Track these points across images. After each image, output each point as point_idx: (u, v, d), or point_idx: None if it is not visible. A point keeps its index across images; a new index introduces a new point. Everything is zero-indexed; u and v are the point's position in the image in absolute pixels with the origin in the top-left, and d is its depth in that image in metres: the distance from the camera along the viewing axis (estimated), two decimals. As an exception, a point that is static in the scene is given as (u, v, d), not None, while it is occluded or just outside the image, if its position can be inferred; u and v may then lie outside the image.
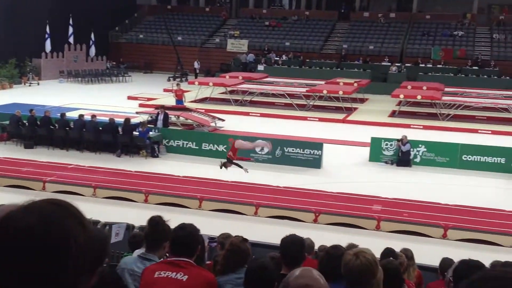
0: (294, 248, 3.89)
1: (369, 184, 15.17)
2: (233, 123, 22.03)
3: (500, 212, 12.83)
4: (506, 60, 34.52)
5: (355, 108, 26.56)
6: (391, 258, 5.17)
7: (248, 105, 26.88)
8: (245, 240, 4.19)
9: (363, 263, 2.97)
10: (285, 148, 16.86)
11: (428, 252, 9.37)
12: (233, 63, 37.26)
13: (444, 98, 25.41)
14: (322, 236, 10.13)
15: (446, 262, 6.24)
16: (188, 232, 3.56)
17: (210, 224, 10.82)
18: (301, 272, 2.27)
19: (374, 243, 7.99)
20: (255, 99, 27.50)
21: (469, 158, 16.92)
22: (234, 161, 12.44)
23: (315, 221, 12.19)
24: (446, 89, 27.72)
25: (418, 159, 17.26)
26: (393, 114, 25.50)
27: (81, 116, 18.07)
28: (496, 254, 7.19)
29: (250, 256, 3.98)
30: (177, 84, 26.41)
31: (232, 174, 13.52)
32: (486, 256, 6.82)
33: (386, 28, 39.30)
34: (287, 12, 43.86)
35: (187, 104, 23.55)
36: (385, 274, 4.78)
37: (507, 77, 32.31)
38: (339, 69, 34.91)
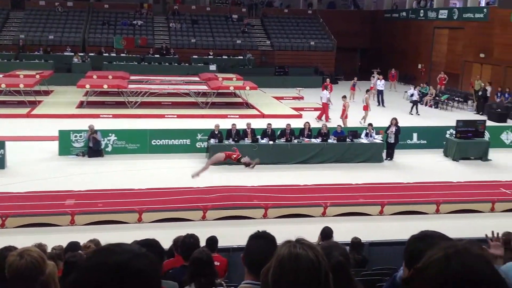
0: None
1: (61, 179, 14.53)
2: None
3: (189, 189, 13.68)
4: (183, 48, 36.97)
5: (40, 101, 25.11)
6: (80, 252, 4.96)
7: None
8: None
9: (28, 261, 2.81)
10: (-42, 150, 14.91)
11: (123, 238, 9.38)
12: None
13: (130, 86, 25.88)
14: (12, 240, 9.24)
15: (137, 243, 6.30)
16: None
17: None
18: None
19: (69, 238, 7.60)
20: None
21: (158, 142, 17.60)
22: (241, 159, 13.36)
23: (2, 226, 11.10)
24: (132, 77, 28.27)
25: (109, 148, 17.22)
26: (81, 105, 24.91)
27: None
28: (185, 230, 7.60)
29: None
30: None
31: None
32: (175, 232, 7.11)
33: (65, 17, 38.02)
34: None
35: None
36: (69, 267, 4.58)
37: (186, 64, 34.66)
38: (18, 60, 32.52)
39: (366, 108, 22.51)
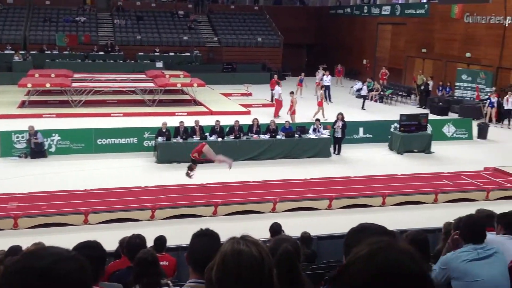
0: None
1: (3, 181, 14.06)
2: None
3: (137, 189, 13.46)
4: (129, 45, 36.33)
5: (-21, 102, 24.20)
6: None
7: None
8: None
9: None
10: None
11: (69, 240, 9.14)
12: None
13: (74, 84, 25.26)
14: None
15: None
16: None
17: None
18: None
19: (12, 242, 7.36)
20: None
21: (104, 141, 17.25)
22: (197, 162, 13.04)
23: None
24: (76, 75, 27.55)
25: (53, 149, 16.76)
26: (22, 104, 24.13)
27: None
28: (134, 230, 7.47)
29: None
30: None
31: None
32: (123, 233, 6.98)
33: (4, 14, 36.71)
34: None
35: None
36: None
37: (132, 61, 34.09)
38: (-46, 59, 31.22)
39: (320, 104, 22.71)
